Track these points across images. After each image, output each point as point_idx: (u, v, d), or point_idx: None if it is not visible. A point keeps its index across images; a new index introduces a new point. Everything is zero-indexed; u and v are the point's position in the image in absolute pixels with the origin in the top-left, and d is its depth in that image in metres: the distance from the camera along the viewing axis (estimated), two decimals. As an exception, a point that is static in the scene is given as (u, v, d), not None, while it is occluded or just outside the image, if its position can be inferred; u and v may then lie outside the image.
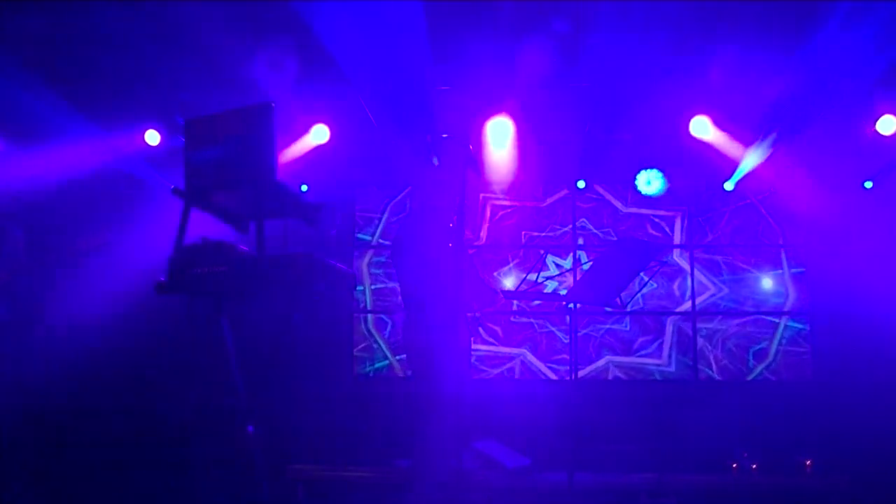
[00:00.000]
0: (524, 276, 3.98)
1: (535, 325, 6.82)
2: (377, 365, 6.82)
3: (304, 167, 6.55)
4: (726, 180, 6.61)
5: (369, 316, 6.88)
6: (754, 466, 5.25)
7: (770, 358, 6.57)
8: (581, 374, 6.64)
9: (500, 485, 4.93)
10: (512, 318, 6.82)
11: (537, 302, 6.67)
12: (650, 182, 6.66)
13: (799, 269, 6.64)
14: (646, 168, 6.67)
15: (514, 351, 6.79)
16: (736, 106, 6.08)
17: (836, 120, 6.10)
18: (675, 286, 6.72)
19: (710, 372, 6.61)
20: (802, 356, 6.54)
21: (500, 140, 6.44)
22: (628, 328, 6.72)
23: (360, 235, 6.98)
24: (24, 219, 4.75)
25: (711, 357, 6.63)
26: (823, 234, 6.49)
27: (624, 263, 3.98)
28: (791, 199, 6.67)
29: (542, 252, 6.62)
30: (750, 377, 6.56)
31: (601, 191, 6.89)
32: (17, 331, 4.42)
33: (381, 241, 6.93)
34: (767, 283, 6.67)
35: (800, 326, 6.59)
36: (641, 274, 4.30)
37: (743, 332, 6.64)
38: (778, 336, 6.59)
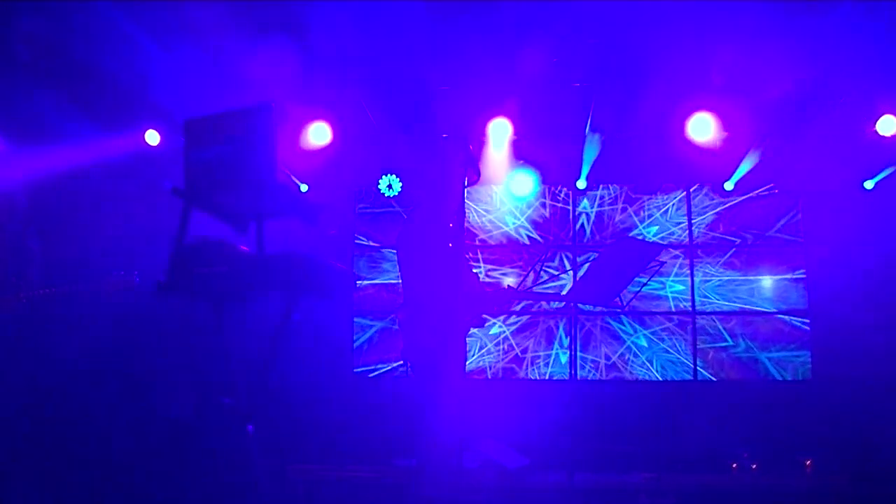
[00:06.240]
0: (524, 275, 3.97)
1: (534, 325, 6.83)
2: (377, 364, 6.83)
3: (304, 167, 6.56)
4: (726, 180, 6.61)
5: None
6: (754, 466, 5.25)
7: (770, 357, 6.57)
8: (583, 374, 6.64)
9: (500, 485, 4.93)
10: (511, 318, 6.83)
11: (537, 303, 6.67)
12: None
13: (799, 269, 6.64)
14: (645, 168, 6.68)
15: (513, 351, 6.80)
16: (736, 105, 6.08)
17: (837, 119, 6.11)
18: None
19: (711, 372, 6.61)
20: (802, 356, 6.54)
21: (499, 141, 6.44)
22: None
23: (358, 236, 6.99)
24: (23, 219, 4.74)
25: (711, 356, 6.64)
26: (823, 235, 6.49)
27: (624, 263, 3.98)
28: (791, 198, 6.67)
29: (539, 259, 6.61)
30: (751, 377, 6.57)
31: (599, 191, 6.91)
32: (18, 331, 4.41)
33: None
34: (767, 282, 6.67)
35: (800, 326, 6.59)
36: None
37: (743, 331, 6.64)
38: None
